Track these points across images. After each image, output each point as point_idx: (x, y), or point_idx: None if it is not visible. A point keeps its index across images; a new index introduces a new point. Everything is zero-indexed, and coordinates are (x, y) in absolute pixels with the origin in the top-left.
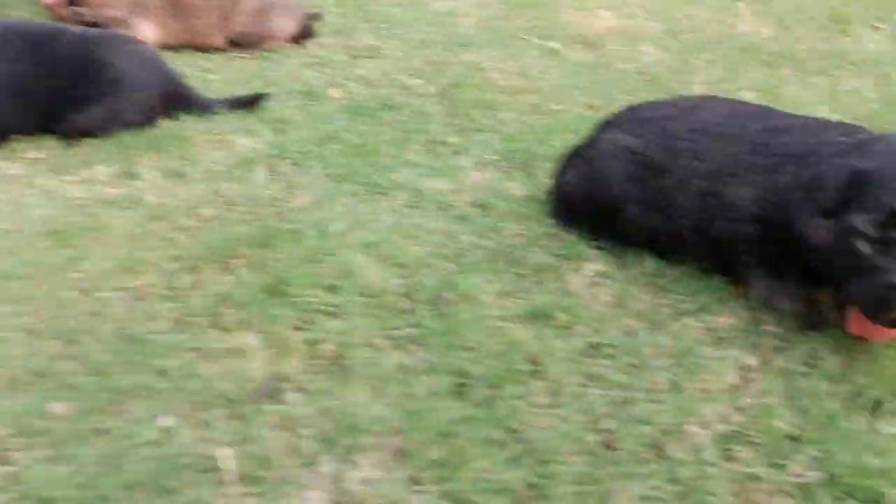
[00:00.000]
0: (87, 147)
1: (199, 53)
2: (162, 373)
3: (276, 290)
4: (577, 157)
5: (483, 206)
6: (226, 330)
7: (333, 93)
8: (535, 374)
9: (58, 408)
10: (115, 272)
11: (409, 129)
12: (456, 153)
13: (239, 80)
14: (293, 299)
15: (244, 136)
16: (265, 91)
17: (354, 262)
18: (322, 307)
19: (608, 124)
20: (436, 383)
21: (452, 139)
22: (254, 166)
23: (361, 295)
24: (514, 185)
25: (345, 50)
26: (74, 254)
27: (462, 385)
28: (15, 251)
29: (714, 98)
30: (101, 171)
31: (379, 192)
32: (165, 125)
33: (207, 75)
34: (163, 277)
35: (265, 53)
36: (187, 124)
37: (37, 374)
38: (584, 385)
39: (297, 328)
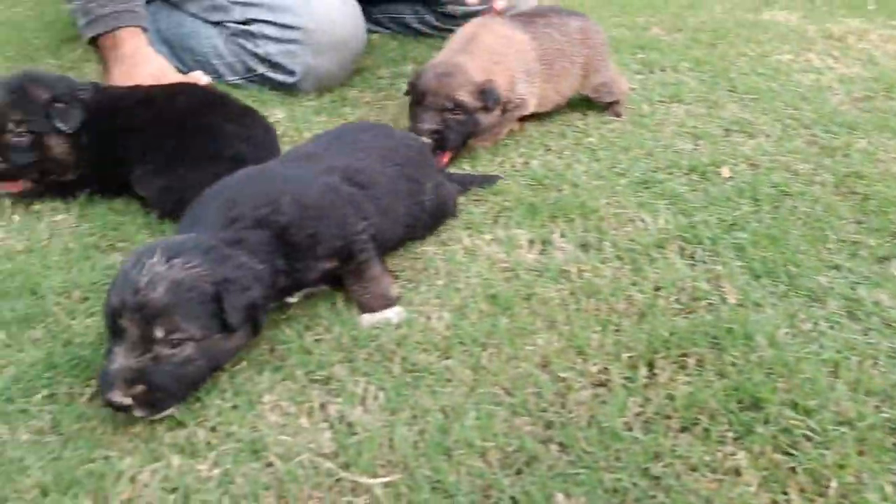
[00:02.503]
0: (494, 205)
1: (577, 115)
2: (652, 478)
3: (747, 403)
4: None
5: None
6: (704, 439)
7: (724, 172)
8: None
9: (559, 500)
10: (568, 352)
11: (818, 224)
12: (884, 259)
13: (619, 146)
14: (767, 414)
15: (646, 213)
16: (643, 161)
17: (819, 381)
18: (803, 431)
19: None
20: None
21: (871, 241)
22: (667, 249)
23: (840, 423)
24: None
25: (716, 122)
26: (520, 325)
27: None
28: (465, 312)
29: None
30: (518, 234)
31: (808, 296)
32: (569, 192)
33: (585, 138)
34: (617, 366)
35: (637, 120)
36: (590, 193)
37: (531, 457)
38: None
39: (784, 452)
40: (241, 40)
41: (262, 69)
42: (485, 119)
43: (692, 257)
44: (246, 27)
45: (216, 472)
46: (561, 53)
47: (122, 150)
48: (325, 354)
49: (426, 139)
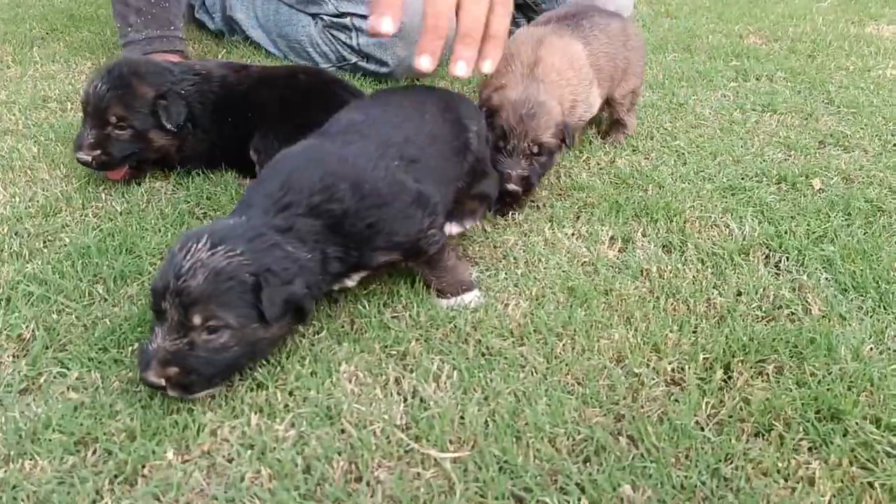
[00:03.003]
0: (578, 200)
1: (666, 118)
2: (722, 478)
3: (826, 414)
4: None
5: None
6: (778, 446)
7: (816, 183)
8: None
9: (627, 491)
10: (643, 348)
11: None
12: None
13: (707, 151)
14: (846, 427)
15: (731, 219)
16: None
17: None
18: (884, 447)
19: None
20: None
21: None
22: (751, 255)
23: None
24: None
25: (810, 134)
26: (597, 318)
27: None
28: (542, 302)
29: None
30: (600, 230)
31: None
32: (653, 193)
33: (672, 141)
34: (692, 367)
35: (727, 127)
36: (676, 195)
37: (599, 447)
38: None
39: (862, 466)
40: (334, 31)
41: (355, 59)
42: (558, 156)
43: (777, 266)
44: (340, 19)
45: (292, 432)
46: (607, 56)
47: (242, 126)
48: (402, 331)
49: (514, 186)
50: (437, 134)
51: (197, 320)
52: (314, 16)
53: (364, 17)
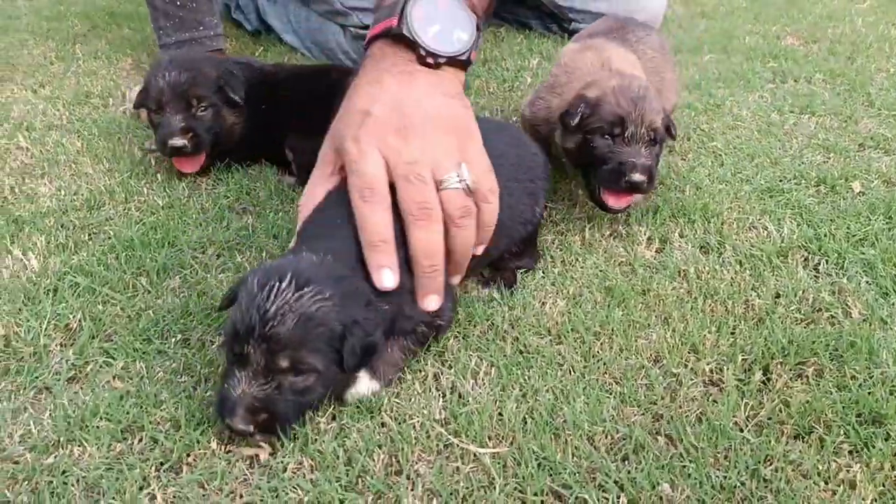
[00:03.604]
0: None
1: (703, 119)
2: (762, 479)
3: (867, 417)
4: None
5: None
6: (819, 449)
7: (856, 186)
8: None
9: (666, 489)
10: (681, 349)
11: None
12: None
13: (745, 153)
14: (889, 431)
15: (769, 221)
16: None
17: None
18: None
19: None
20: None
21: None
22: (790, 258)
23: None
24: None
25: (849, 136)
26: (634, 318)
27: None
28: (579, 301)
29: None
30: (637, 230)
31: None
32: (691, 194)
33: (710, 142)
34: (731, 368)
35: (764, 129)
36: (713, 196)
37: (638, 445)
38: None
39: None
40: (362, 41)
41: None
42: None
43: (816, 269)
44: (366, 31)
45: (333, 425)
46: (654, 70)
47: (277, 119)
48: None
49: (640, 176)
50: (517, 192)
51: (284, 364)
52: (342, 26)
53: None
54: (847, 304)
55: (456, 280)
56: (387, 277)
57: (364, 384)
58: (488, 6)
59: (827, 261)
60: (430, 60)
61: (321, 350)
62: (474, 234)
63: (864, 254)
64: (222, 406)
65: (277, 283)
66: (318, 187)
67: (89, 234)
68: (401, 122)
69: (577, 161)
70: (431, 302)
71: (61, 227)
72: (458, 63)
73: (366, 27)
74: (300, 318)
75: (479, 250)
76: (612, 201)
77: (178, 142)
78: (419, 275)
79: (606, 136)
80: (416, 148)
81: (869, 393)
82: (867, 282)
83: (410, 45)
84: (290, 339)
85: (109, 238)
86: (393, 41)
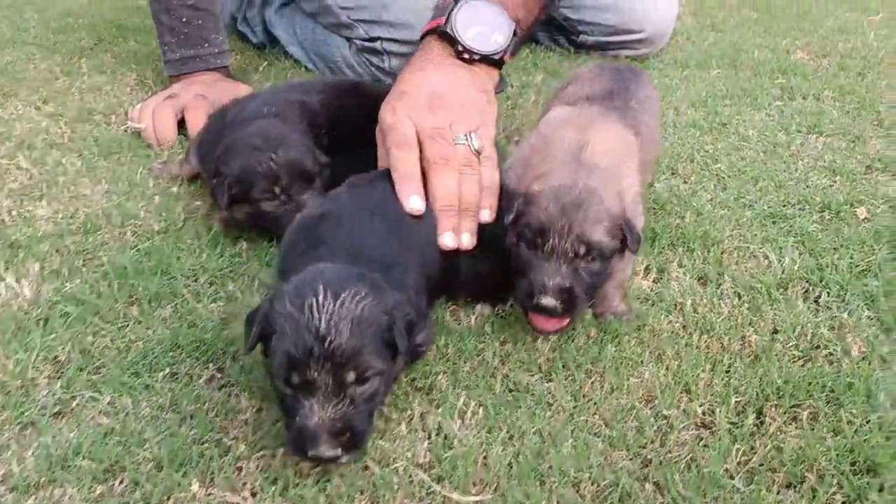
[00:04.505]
0: None
1: (708, 139)
2: None
3: (862, 466)
4: None
5: None
6: (811, 499)
7: (860, 212)
8: None
9: None
10: (674, 388)
11: None
12: None
13: (749, 176)
14: (883, 481)
15: (771, 250)
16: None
17: None
18: None
19: None
20: None
21: None
22: (790, 290)
23: None
24: None
25: (857, 158)
26: (627, 354)
27: None
28: (572, 335)
29: None
30: (635, 259)
31: None
32: (691, 220)
33: (713, 164)
34: (724, 410)
35: (770, 149)
36: (714, 223)
37: (625, 493)
38: None
39: None
40: (367, 55)
41: (389, 80)
42: (619, 263)
43: (816, 302)
44: (371, 44)
45: (316, 469)
46: (652, 144)
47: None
48: (429, 364)
49: (549, 301)
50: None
51: (351, 377)
52: (347, 39)
53: (394, 40)
54: (847, 341)
55: (467, 226)
56: (414, 202)
57: None
58: (534, 21)
59: (828, 293)
60: (466, 56)
61: (378, 349)
62: (478, 186)
63: (866, 285)
64: (301, 440)
65: (314, 299)
66: (382, 160)
67: (83, 260)
68: (431, 101)
69: (512, 264)
70: (447, 238)
71: (56, 251)
72: (493, 62)
73: (370, 40)
74: (352, 323)
75: (486, 215)
76: (535, 321)
77: None
78: (438, 211)
79: (531, 246)
80: (441, 118)
81: (864, 440)
82: (868, 316)
83: (452, 41)
84: (352, 348)
85: (103, 265)
86: (439, 37)
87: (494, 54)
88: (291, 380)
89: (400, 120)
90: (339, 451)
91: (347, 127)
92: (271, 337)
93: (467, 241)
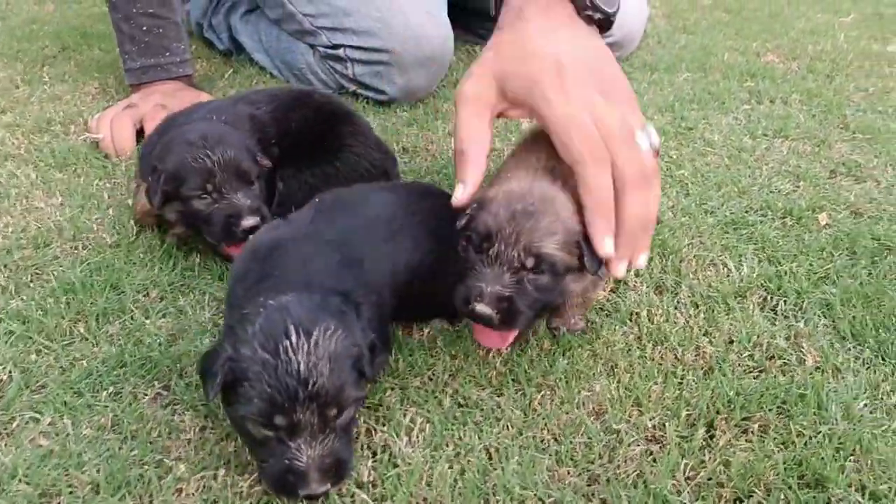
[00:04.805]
0: None
1: (672, 145)
2: None
3: (810, 480)
4: None
5: None
6: None
7: (822, 219)
8: None
9: None
10: (625, 402)
11: None
12: None
13: (712, 182)
14: (830, 496)
15: (730, 258)
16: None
17: (894, 462)
18: None
19: None
20: None
21: None
22: (748, 298)
23: None
24: None
25: (821, 162)
26: (579, 367)
27: None
28: (524, 349)
29: None
30: None
31: None
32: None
33: (677, 170)
34: (674, 423)
35: (735, 154)
36: (674, 231)
37: None
38: None
39: None
40: (331, 62)
41: (353, 87)
42: (575, 285)
43: (773, 311)
44: (334, 51)
45: (257, 489)
46: None
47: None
48: (378, 379)
49: (484, 308)
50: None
51: (334, 412)
52: (311, 46)
53: (357, 48)
54: (801, 351)
55: (644, 246)
56: (608, 247)
57: None
58: None
59: (785, 301)
60: (588, 13)
61: (355, 380)
62: (658, 198)
63: (823, 293)
64: (289, 482)
65: (288, 342)
66: (475, 120)
67: (32, 276)
68: (597, 80)
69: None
70: (621, 269)
71: (4, 267)
72: (605, 24)
73: (334, 47)
74: (331, 361)
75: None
76: (476, 333)
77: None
78: (620, 239)
79: (477, 251)
80: (617, 108)
81: (813, 453)
82: (825, 324)
83: None
84: (334, 386)
85: (50, 281)
86: None
87: (612, 16)
88: (275, 422)
89: (579, 112)
90: (328, 486)
91: (299, 138)
92: (237, 383)
93: (644, 261)
